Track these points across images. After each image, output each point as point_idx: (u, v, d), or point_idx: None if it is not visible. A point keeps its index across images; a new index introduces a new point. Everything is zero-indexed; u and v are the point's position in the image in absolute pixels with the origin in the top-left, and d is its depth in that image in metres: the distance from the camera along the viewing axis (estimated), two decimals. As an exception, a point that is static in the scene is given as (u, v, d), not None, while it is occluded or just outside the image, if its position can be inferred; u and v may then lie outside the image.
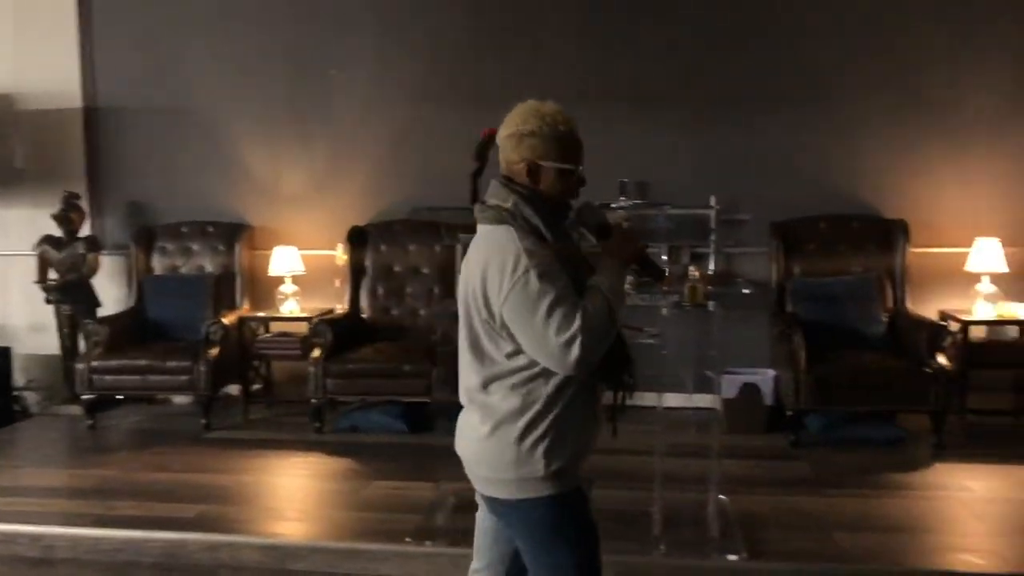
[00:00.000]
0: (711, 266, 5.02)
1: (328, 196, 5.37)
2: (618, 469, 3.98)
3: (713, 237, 4.99)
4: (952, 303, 4.79)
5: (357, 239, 5.20)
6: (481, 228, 1.95)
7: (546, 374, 1.85)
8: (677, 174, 5.02)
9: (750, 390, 4.61)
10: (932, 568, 3.04)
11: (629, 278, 2.42)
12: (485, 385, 1.90)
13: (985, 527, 3.43)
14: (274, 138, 5.43)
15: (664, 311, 3.54)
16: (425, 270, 5.17)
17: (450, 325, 3.83)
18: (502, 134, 1.97)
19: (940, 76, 4.87)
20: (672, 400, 4.61)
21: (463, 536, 3.30)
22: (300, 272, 5.21)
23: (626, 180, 4.92)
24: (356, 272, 5.20)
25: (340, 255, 5.19)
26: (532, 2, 5.21)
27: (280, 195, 5.44)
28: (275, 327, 5.25)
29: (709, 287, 4.85)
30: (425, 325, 4.98)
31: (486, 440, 1.90)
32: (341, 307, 5.18)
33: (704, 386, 4.78)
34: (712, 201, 4.94)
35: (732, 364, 4.79)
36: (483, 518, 2.10)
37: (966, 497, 3.70)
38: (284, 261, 5.18)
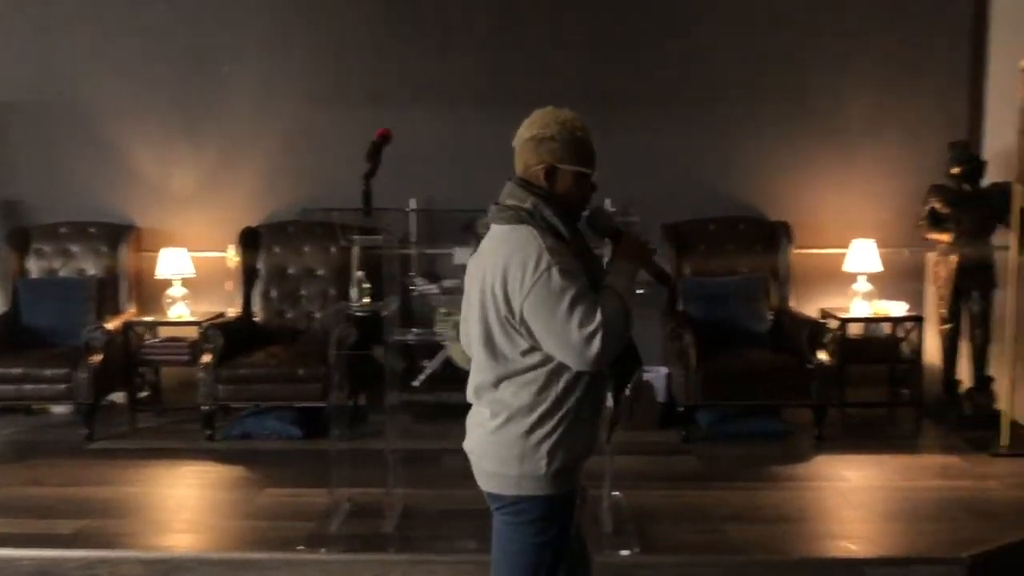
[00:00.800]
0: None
1: (219, 196, 5.20)
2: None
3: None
4: (832, 301, 5.03)
5: (249, 240, 5.05)
6: (498, 228, 1.98)
7: (557, 373, 1.89)
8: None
9: (643, 387, 4.71)
10: (812, 556, 3.18)
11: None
12: (497, 382, 1.94)
13: (860, 514, 3.61)
14: (162, 135, 5.22)
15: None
16: (320, 272, 5.07)
17: (346, 327, 3.81)
18: (523, 137, 2.00)
19: (823, 85, 5.10)
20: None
21: (359, 542, 3.28)
22: (190, 275, 5.03)
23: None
24: (248, 274, 5.05)
25: (232, 257, 5.04)
26: (432, 3, 5.19)
27: (168, 195, 5.24)
28: (163, 332, 5.05)
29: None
30: (320, 328, 4.89)
31: (495, 433, 1.94)
32: (233, 310, 5.03)
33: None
34: (607, 203, 5.04)
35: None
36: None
37: (844, 487, 3.88)
38: (172, 263, 4.98)
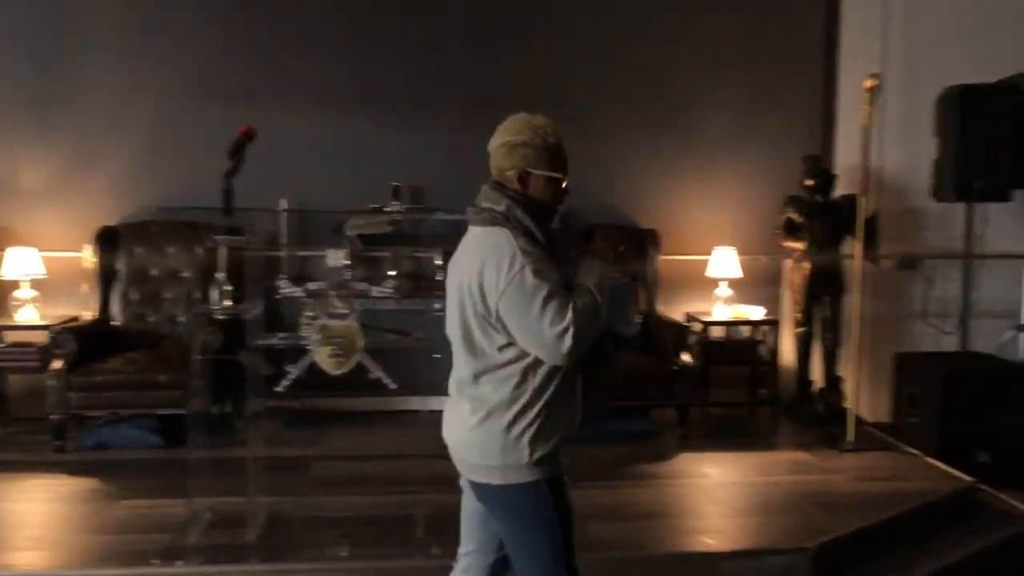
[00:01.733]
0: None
1: (74, 193, 4.91)
2: (385, 474, 3.98)
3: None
4: (696, 306, 5.24)
5: (107, 240, 4.79)
6: (474, 230, 2.09)
7: (534, 367, 2.00)
8: (452, 179, 5.07)
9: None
10: (671, 551, 3.30)
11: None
12: (476, 377, 2.04)
13: (719, 510, 3.77)
14: (9, 128, 4.88)
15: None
16: (185, 274, 4.86)
17: (210, 332, 3.67)
18: (495, 143, 2.11)
19: (690, 100, 5.29)
20: (438, 403, 4.71)
21: (220, 553, 3.16)
22: (40, 276, 4.72)
23: (399, 184, 4.94)
24: (106, 276, 4.79)
25: (88, 257, 4.76)
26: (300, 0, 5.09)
27: (16, 190, 4.90)
28: (10, 336, 4.71)
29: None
30: (185, 332, 4.69)
31: (476, 429, 2.03)
32: (89, 314, 4.76)
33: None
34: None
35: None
36: (468, 504, 2.24)
37: (705, 483, 4.04)
38: (20, 263, 4.66)
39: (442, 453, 3.90)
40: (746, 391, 5.23)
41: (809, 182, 4.94)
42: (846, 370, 4.86)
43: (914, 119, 4.98)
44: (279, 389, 3.80)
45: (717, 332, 5.12)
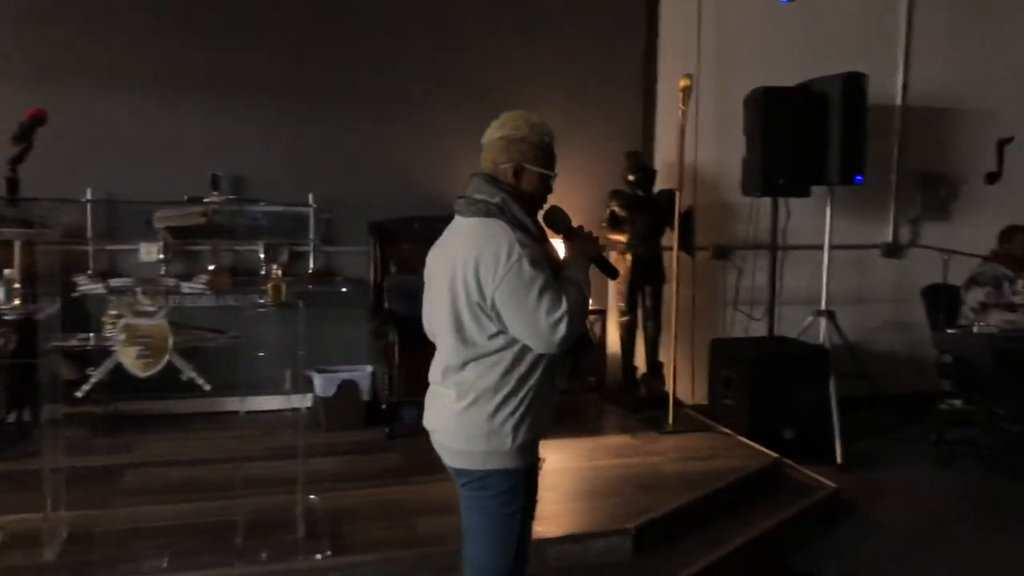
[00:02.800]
0: (311, 264, 5.01)
1: None
2: (204, 479, 3.79)
3: (312, 235, 4.98)
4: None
5: None
6: (466, 220, 2.15)
7: (521, 355, 2.07)
8: (275, 170, 4.92)
9: (348, 387, 4.68)
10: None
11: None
12: (464, 364, 2.09)
13: (548, 496, 3.79)
14: None
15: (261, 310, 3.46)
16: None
17: (4, 333, 3.35)
18: (492, 136, 2.20)
19: (520, 96, 5.33)
20: (271, 403, 4.55)
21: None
22: None
23: (219, 173, 4.71)
24: None
25: None
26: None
27: None
28: None
29: (309, 286, 4.88)
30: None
31: (461, 415, 2.09)
32: None
33: (305, 386, 4.78)
34: (311, 199, 4.92)
35: (333, 362, 4.84)
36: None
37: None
38: None
39: (262, 455, 3.79)
40: (574, 378, 5.36)
41: (631, 177, 5.14)
42: (667, 356, 5.10)
43: (726, 118, 5.29)
44: (79, 394, 3.52)
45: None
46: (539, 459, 2.19)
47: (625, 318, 5.23)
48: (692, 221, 5.12)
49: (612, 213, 5.14)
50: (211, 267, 4.63)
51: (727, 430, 4.81)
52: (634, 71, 5.55)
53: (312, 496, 3.44)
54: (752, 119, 4.99)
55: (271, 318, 3.68)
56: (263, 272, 4.58)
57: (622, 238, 5.13)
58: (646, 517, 3.46)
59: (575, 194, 5.40)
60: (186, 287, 3.92)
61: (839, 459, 4.72)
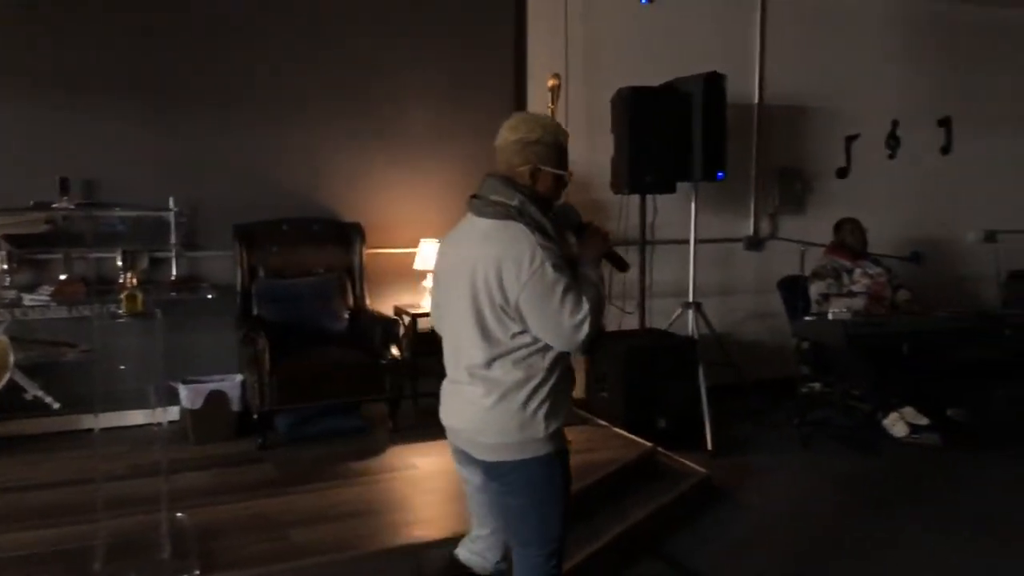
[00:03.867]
0: (173, 271, 4.78)
1: None
2: (63, 504, 3.55)
3: (174, 240, 4.75)
4: (405, 298, 5.28)
5: None
6: (483, 222, 2.18)
7: (543, 350, 2.16)
8: (132, 173, 4.67)
9: (217, 397, 4.49)
10: (379, 548, 3.27)
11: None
12: (490, 363, 2.15)
13: (427, 500, 3.81)
14: None
15: (116, 323, 3.27)
16: None
17: None
18: (507, 139, 2.24)
19: (389, 95, 5.28)
20: (136, 417, 4.33)
21: None
22: None
23: (68, 177, 4.42)
24: None
25: None
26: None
27: None
28: None
29: (173, 293, 4.66)
30: None
31: (492, 410, 2.16)
32: None
33: (170, 399, 4.57)
34: (171, 202, 4.70)
35: (201, 372, 4.64)
36: (476, 492, 2.40)
37: (415, 475, 4.07)
38: None
39: (126, 473, 3.59)
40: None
41: (504, 176, 5.15)
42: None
43: (595, 118, 5.39)
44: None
45: (425, 323, 5.18)
46: (568, 442, 2.31)
47: (502, 316, 5.25)
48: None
49: (487, 212, 5.14)
50: (62, 277, 4.34)
51: (604, 422, 4.91)
52: (505, 70, 5.58)
53: (179, 514, 3.29)
54: (619, 118, 5.11)
55: (131, 329, 3.49)
56: (121, 280, 4.33)
57: (497, 237, 5.14)
58: (525, 513, 3.47)
59: (453, 192, 5.39)
60: (29, 299, 3.64)
61: (710, 445, 4.90)
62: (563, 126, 2.36)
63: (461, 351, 2.22)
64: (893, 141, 6.52)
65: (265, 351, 4.29)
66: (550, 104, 4.71)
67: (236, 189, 4.89)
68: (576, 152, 5.37)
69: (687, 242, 5.39)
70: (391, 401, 4.63)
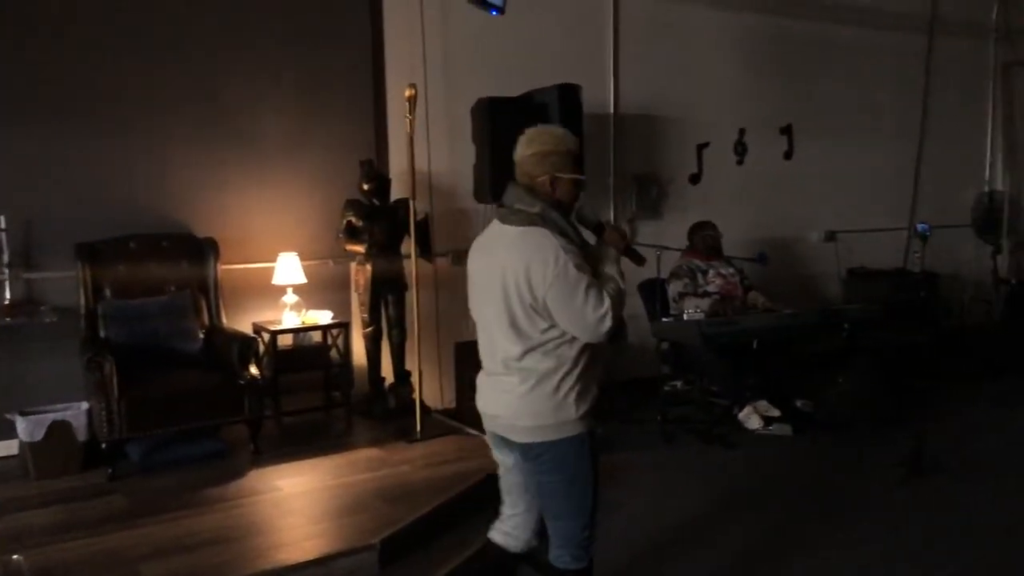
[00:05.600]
0: (7, 294, 4.45)
1: None
2: None
3: (6, 261, 4.42)
4: (264, 315, 5.11)
5: None
6: (510, 229, 2.41)
7: (571, 341, 2.39)
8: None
9: (60, 428, 4.20)
10: (242, 575, 3.14)
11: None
12: (523, 355, 2.39)
13: (291, 522, 3.69)
14: None
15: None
16: None
17: None
18: (524, 153, 2.45)
19: (243, 106, 5.11)
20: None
21: None
22: None
23: None
24: None
25: None
26: None
27: None
28: None
29: (7, 319, 4.34)
30: None
31: (527, 396, 2.40)
32: None
33: (6, 432, 4.26)
34: (2, 221, 4.37)
35: (42, 401, 4.34)
36: (508, 473, 2.61)
37: (277, 496, 3.94)
38: None
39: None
40: (320, 396, 5.23)
41: (366, 186, 5.09)
42: (412, 364, 5.11)
43: (457, 127, 5.41)
44: None
45: (287, 340, 5.04)
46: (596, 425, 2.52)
47: (369, 329, 5.18)
48: (428, 229, 5.19)
49: (349, 223, 5.07)
50: None
51: (474, 431, 4.90)
52: (363, 81, 5.51)
53: (15, 556, 3.05)
54: (479, 128, 5.14)
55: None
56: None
57: (360, 248, 5.08)
58: (392, 529, 3.44)
59: (311, 205, 5.30)
60: None
61: (578, 448, 4.98)
62: (530, 136, 2.51)
63: (496, 346, 2.46)
64: (740, 148, 6.85)
65: (112, 376, 4.06)
66: (408, 114, 4.68)
67: (78, 204, 4.62)
68: (439, 161, 5.49)
69: (550, 249, 5.46)
70: (251, 423, 4.47)
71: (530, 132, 2.51)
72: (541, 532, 2.63)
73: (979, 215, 8.19)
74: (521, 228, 2.39)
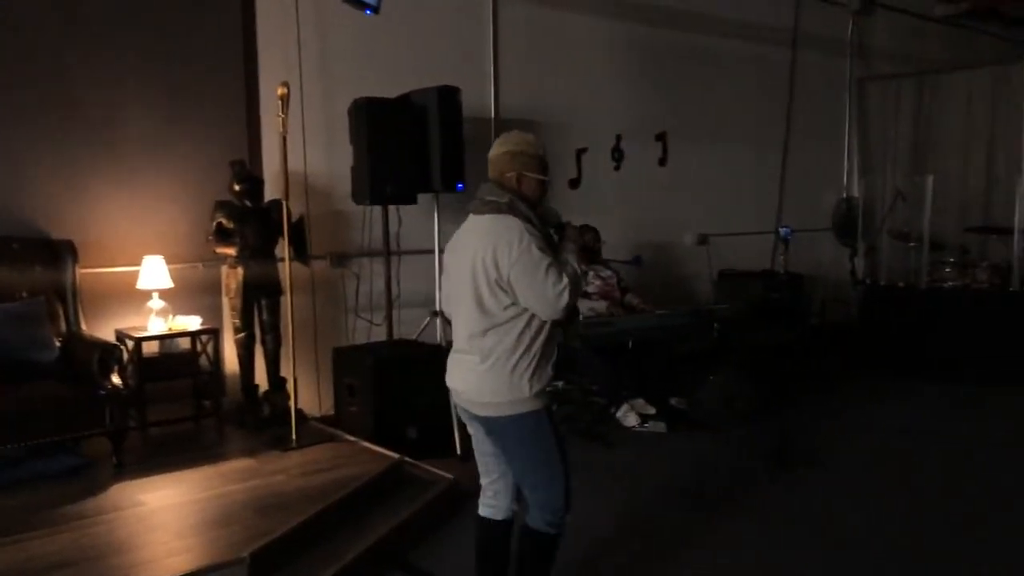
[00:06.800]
0: None
1: None
2: None
3: None
4: (128, 321, 4.85)
5: None
6: (481, 218, 2.73)
7: (529, 322, 2.66)
8: None
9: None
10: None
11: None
12: (484, 332, 2.66)
13: (154, 538, 3.50)
14: None
15: None
16: None
17: None
18: (498, 151, 2.80)
19: (102, 105, 4.84)
20: None
21: None
22: None
23: None
24: None
25: None
26: None
27: None
28: None
29: None
30: None
31: (486, 373, 2.68)
32: None
33: None
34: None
35: None
36: (480, 443, 2.90)
37: (141, 512, 3.74)
38: None
39: None
40: (190, 405, 5.00)
41: (237, 187, 4.93)
42: (288, 370, 4.97)
43: (334, 128, 5.32)
44: None
45: (152, 347, 4.80)
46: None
47: (241, 335, 5.00)
48: (303, 231, 5.06)
49: (219, 225, 4.88)
50: None
51: (352, 438, 4.83)
52: (235, 77, 5.33)
53: None
54: (356, 129, 5.06)
55: None
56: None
57: (231, 251, 4.90)
58: (263, 541, 3.31)
59: (178, 206, 5.08)
60: None
61: (459, 450, 4.97)
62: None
63: (463, 323, 2.73)
64: (617, 154, 7.03)
65: (-43, 389, 3.76)
66: (280, 113, 4.55)
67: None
68: (315, 162, 5.37)
69: (432, 252, 5.45)
70: (113, 435, 4.23)
71: (504, 135, 2.85)
72: (520, 498, 2.92)
73: (838, 219, 8.71)
74: (491, 215, 2.70)
